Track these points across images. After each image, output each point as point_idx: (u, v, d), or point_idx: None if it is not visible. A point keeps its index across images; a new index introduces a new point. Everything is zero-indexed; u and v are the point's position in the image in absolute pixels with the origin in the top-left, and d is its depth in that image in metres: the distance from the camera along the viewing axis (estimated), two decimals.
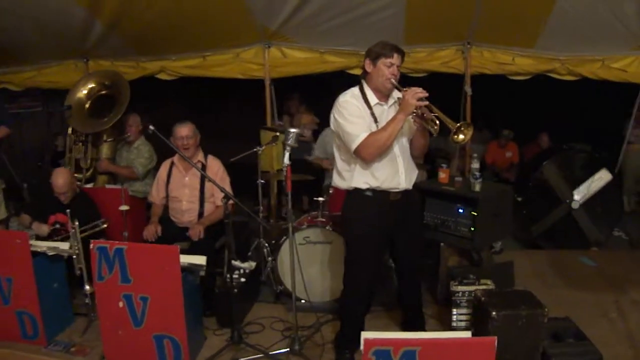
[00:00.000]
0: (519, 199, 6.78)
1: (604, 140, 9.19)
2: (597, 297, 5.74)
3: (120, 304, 4.23)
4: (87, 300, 5.05)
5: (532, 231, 7.40)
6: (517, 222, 6.11)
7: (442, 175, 5.61)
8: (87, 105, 6.88)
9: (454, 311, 4.84)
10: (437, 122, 4.00)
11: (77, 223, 4.90)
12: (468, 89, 7.27)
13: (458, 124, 3.88)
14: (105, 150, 6.85)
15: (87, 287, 4.97)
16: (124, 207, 5.69)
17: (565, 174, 7.27)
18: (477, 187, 5.25)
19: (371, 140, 4.03)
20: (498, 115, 10.41)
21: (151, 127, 4.44)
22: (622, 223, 8.10)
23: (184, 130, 5.63)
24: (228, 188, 5.52)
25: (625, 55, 7.04)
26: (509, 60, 7.20)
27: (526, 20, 6.53)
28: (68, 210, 5.09)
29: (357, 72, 6.99)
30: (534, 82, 7.51)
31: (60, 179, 5.64)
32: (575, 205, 7.11)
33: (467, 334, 3.55)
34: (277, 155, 7.46)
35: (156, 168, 6.50)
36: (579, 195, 7.08)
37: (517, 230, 6.91)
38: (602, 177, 7.12)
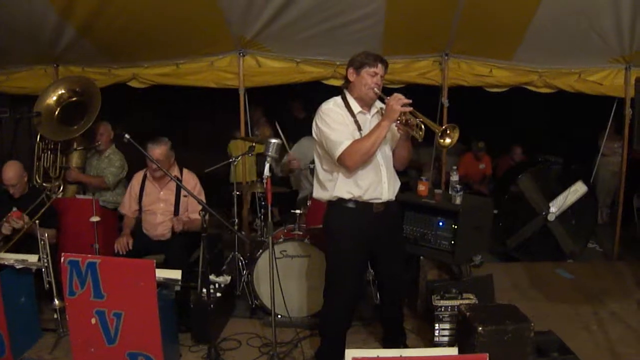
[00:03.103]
0: (495, 211, 6.73)
1: (576, 152, 9.24)
2: (577, 310, 5.75)
3: (93, 321, 4.06)
4: (56, 316, 4.89)
5: (508, 243, 7.37)
6: (493, 234, 6.06)
7: (422, 188, 5.54)
8: (56, 112, 6.68)
9: (437, 326, 4.75)
10: (422, 127, 3.95)
11: (49, 232, 4.75)
12: (445, 100, 7.24)
13: (443, 127, 3.87)
14: (75, 159, 6.68)
15: (57, 302, 4.82)
16: (95, 218, 5.53)
17: (540, 186, 7.27)
18: (458, 200, 5.19)
19: (355, 147, 3.96)
20: (472, 126, 10.43)
21: (127, 136, 4.30)
22: (596, 235, 8.13)
23: (155, 153, 5.40)
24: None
25: (601, 69, 7.14)
26: (486, 72, 7.20)
27: (504, 33, 6.54)
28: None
29: (333, 82, 6.97)
30: (507, 94, 7.52)
31: (10, 171, 5.48)
32: (551, 218, 7.11)
33: (454, 350, 3.48)
34: (249, 167, 7.36)
35: (127, 178, 6.37)
36: (555, 207, 7.09)
37: (492, 243, 6.87)
38: (578, 190, 7.16)
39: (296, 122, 9.27)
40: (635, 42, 6.53)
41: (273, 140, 4.28)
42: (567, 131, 10.25)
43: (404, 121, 4.03)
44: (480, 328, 3.96)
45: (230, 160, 6.04)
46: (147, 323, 4.04)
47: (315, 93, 6.29)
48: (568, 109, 9.47)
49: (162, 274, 4.34)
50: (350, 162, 3.98)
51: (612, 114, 7.53)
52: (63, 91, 6.74)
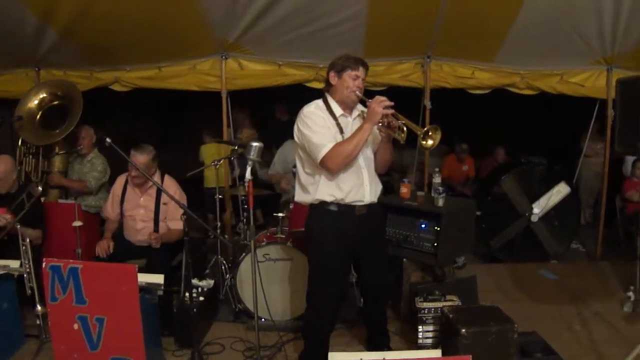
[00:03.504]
0: (478, 213, 6.76)
1: (559, 153, 9.29)
2: (560, 310, 5.78)
3: (75, 326, 4.02)
4: (38, 322, 4.83)
5: (491, 245, 7.39)
6: (476, 236, 6.07)
7: (404, 190, 5.54)
8: (38, 116, 6.63)
9: (420, 328, 4.75)
10: (405, 129, 3.97)
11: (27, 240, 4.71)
12: (427, 102, 7.26)
13: (425, 129, 3.88)
14: (57, 163, 6.65)
15: (39, 308, 4.76)
16: (77, 223, 5.49)
17: (523, 187, 7.30)
18: (441, 202, 5.20)
19: (338, 150, 3.95)
20: (455, 128, 10.48)
21: (108, 140, 4.26)
22: (579, 235, 8.17)
23: (137, 161, 5.34)
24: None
25: (582, 70, 7.21)
26: (468, 74, 7.24)
27: (486, 35, 6.58)
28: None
29: (316, 85, 6.97)
30: (490, 96, 7.55)
31: (2, 164, 5.41)
32: (534, 219, 7.13)
33: (437, 353, 3.47)
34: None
35: (110, 182, 6.33)
36: (539, 208, 7.11)
37: (475, 244, 6.87)
38: (560, 190, 7.17)
39: (279, 125, 9.28)
40: (616, 44, 6.61)
41: (255, 144, 4.24)
42: (549, 132, 10.31)
43: (386, 123, 4.03)
44: (463, 330, 3.96)
45: (212, 164, 6.02)
46: (130, 328, 4.00)
47: (299, 96, 6.30)
48: (550, 111, 9.51)
49: (144, 278, 4.30)
50: (332, 165, 3.97)
51: (595, 115, 7.59)
52: (45, 95, 6.69)
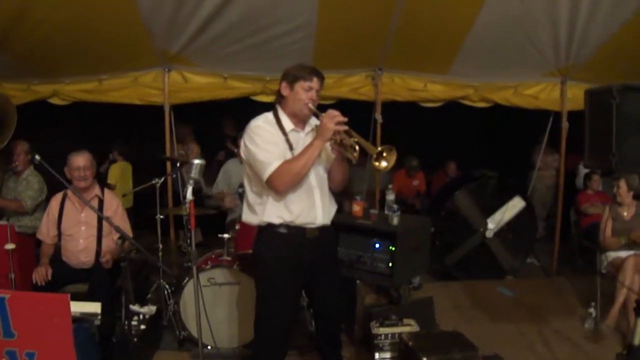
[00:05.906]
0: (432, 229, 6.64)
1: (511, 166, 9.24)
2: (520, 329, 5.70)
3: None
4: None
5: (446, 262, 7.27)
6: (430, 253, 5.92)
7: (357, 208, 5.35)
8: None
9: (377, 355, 4.57)
10: (357, 148, 3.72)
11: None
12: (378, 116, 7.15)
13: (379, 149, 3.60)
14: None
15: None
16: (10, 246, 5.17)
17: (477, 202, 7.21)
18: (395, 221, 5.03)
19: (285, 168, 3.69)
20: (405, 142, 10.37)
21: (37, 157, 3.98)
22: (534, 249, 8.12)
23: (80, 160, 5.16)
24: (127, 225, 5.10)
25: (537, 82, 7.25)
26: (420, 86, 7.18)
27: (440, 47, 6.53)
28: None
29: (263, 98, 6.82)
30: (440, 109, 7.50)
31: None
32: (489, 234, 7.05)
33: None
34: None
35: (47, 200, 5.99)
36: (493, 223, 7.04)
37: (429, 262, 6.74)
38: (515, 205, 7.15)
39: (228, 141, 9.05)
40: (571, 55, 6.64)
41: (197, 161, 3.98)
42: (500, 145, 10.32)
43: (338, 141, 3.79)
44: (424, 358, 3.77)
45: (153, 181, 5.75)
46: None
47: (248, 109, 6.09)
48: (501, 123, 9.52)
49: (78, 307, 4.02)
50: (279, 185, 3.71)
51: (549, 127, 7.56)
52: None
